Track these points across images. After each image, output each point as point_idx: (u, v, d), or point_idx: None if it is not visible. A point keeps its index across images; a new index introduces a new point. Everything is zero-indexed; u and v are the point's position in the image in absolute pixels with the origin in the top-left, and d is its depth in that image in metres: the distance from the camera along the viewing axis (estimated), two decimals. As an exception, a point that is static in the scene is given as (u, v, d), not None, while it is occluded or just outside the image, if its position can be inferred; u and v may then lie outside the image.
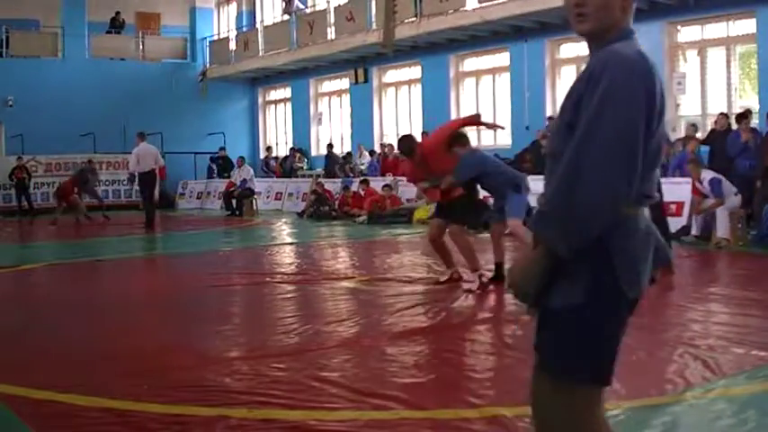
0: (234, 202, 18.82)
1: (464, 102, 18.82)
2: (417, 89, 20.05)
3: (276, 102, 25.78)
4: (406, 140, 7.54)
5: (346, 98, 22.32)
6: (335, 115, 23.06)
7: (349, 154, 20.40)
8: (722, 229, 9.85)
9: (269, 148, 24.30)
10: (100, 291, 7.79)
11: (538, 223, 1.99)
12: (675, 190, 10.61)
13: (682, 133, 13.52)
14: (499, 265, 7.27)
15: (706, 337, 4.92)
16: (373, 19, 18.74)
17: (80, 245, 13.20)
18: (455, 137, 7.27)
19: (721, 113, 12.31)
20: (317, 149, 22.97)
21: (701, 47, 14.31)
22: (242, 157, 20.20)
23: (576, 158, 1.89)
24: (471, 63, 18.81)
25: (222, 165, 22.32)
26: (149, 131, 15.66)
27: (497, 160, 7.88)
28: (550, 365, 2.03)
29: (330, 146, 21.58)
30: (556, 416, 2.05)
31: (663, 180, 8.53)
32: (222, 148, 22.80)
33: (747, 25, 13.50)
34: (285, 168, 22.42)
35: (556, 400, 2.03)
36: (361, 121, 21.29)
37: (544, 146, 14.79)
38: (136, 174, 14.94)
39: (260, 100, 26.03)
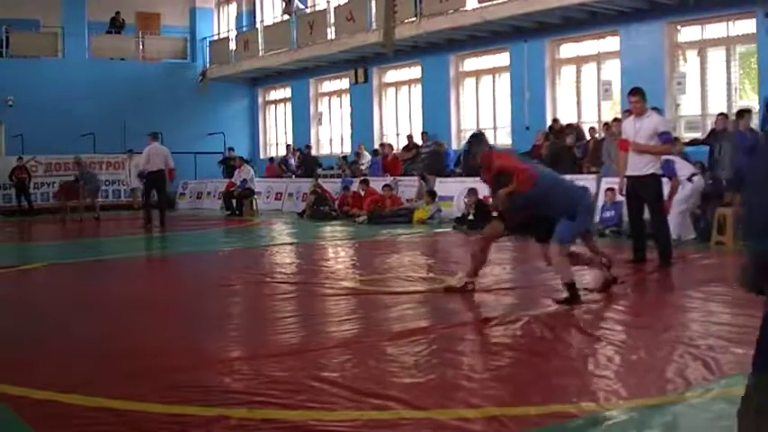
0: (234, 202, 18.83)
1: (464, 102, 18.82)
2: (417, 89, 20.04)
3: (276, 102, 25.77)
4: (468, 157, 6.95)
5: (346, 98, 22.31)
6: (335, 115, 23.06)
7: (357, 154, 20.24)
8: (674, 226, 9.28)
9: (288, 146, 23.23)
10: (100, 291, 7.78)
11: (741, 227, 1.96)
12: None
13: (681, 133, 13.52)
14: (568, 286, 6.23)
15: (706, 337, 4.91)
16: (373, 19, 18.74)
17: (80, 244, 13.21)
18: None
19: (721, 114, 12.29)
20: (318, 149, 22.94)
21: (701, 47, 14.30)
22: (242, 158, 20.17)
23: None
24: (471, 63, 18.79)
25: (232, 165, 22.07)
26: (149, 131, 15.65)
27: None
28: (756, 364, 2.03)
29: (308, 147, 21.48)
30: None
31: (663, 180, 8.54)
32: (231, 149, 22.65)
33: (747, 25, 13.48)
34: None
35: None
36: (361, 121, 21.28)
37: (545, 148, 14.77)
38: (146, 172, 14.98)
39: (260, 100, 26.03)
